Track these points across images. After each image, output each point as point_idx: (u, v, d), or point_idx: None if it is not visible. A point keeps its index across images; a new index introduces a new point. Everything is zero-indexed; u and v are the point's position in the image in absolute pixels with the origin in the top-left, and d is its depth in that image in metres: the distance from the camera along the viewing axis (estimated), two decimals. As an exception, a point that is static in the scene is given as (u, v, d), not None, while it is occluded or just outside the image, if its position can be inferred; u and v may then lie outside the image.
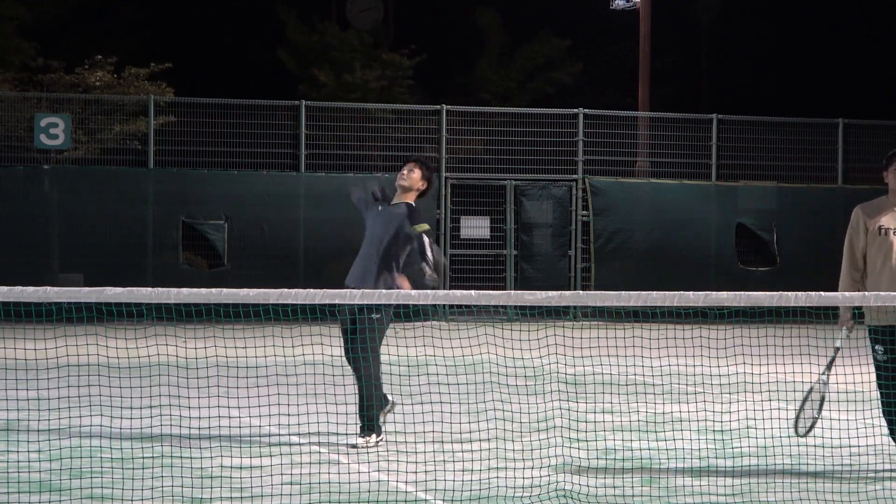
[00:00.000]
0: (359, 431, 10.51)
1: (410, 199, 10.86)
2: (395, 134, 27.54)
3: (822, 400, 9.70)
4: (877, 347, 9.41)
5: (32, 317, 9.88)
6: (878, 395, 9.58)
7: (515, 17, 40.00)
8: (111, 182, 25.05)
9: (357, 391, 10.54)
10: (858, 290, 9.51)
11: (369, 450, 10.24)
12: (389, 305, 10.33)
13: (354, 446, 10.36)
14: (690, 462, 9.79)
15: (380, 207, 10.82)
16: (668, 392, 14.00)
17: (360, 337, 10.35)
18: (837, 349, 9.72)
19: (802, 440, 10.17)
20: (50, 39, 35.22)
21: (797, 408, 9.80)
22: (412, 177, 10.82)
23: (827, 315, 10.22)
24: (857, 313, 9.67)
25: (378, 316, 10.37)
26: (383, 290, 9.74)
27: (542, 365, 12.17)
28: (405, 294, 9.10)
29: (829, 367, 9.76)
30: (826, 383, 9.75)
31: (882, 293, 9.05)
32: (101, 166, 25.59)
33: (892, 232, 9.54)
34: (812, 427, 9.68)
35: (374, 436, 10.44)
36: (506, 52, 39.42)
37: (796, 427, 9.71)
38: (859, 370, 11.01)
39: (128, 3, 40.39)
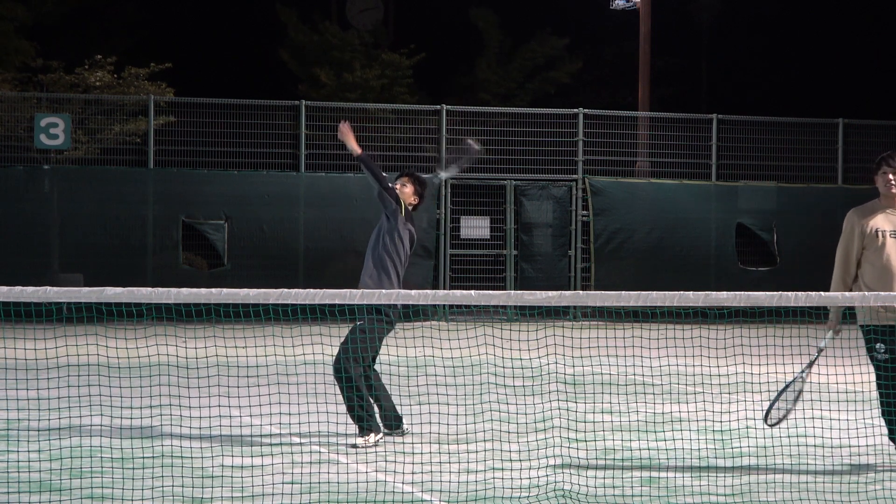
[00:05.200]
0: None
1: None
2: (395, 134, 27.53)
3: (798, 395, 9.91)
4: (878, 346, 9.56)
5: (32, 317, 9.88)
6: (878, 396, 9.70)
7: (515, 17, 40.00)
8: (111, 182, 25.04)
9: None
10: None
11: (368, 450, 10.24)
12: (372, 314, 10.35)
13: (354, 446, 10.38)
14: (690, 462, 9.79)
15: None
16: (668, 392, 14.00)
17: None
18: (821, 350, 9.96)
19: (803, 440, 10.18)
20: (50, 39, 35.21)
21: (770, 399, 10.01)
22: (405, 191, 11.01)
23: (827, 315, 10.23)
24: (847, 314, 9.83)
25: (360, 323, 10.42)
26: (383, 291, 9.73)
27: (542, 365, 12.16)
28: (405, 294, 9.08)
29: (809, 365, 9.99)
30: (804, 381, 9.96)
31: (883, 293, 9.07)
32: (101, 166, 25.58)
33: (887, 234, 9.84)
34: (782, 419, 9.89)
35: (372, 435, 10.43)
36: (505, 51, 39.40)
37: (766, 417, 9.88)
38: (858, 370, 11.01)
39: (128, 3, 40.39)
